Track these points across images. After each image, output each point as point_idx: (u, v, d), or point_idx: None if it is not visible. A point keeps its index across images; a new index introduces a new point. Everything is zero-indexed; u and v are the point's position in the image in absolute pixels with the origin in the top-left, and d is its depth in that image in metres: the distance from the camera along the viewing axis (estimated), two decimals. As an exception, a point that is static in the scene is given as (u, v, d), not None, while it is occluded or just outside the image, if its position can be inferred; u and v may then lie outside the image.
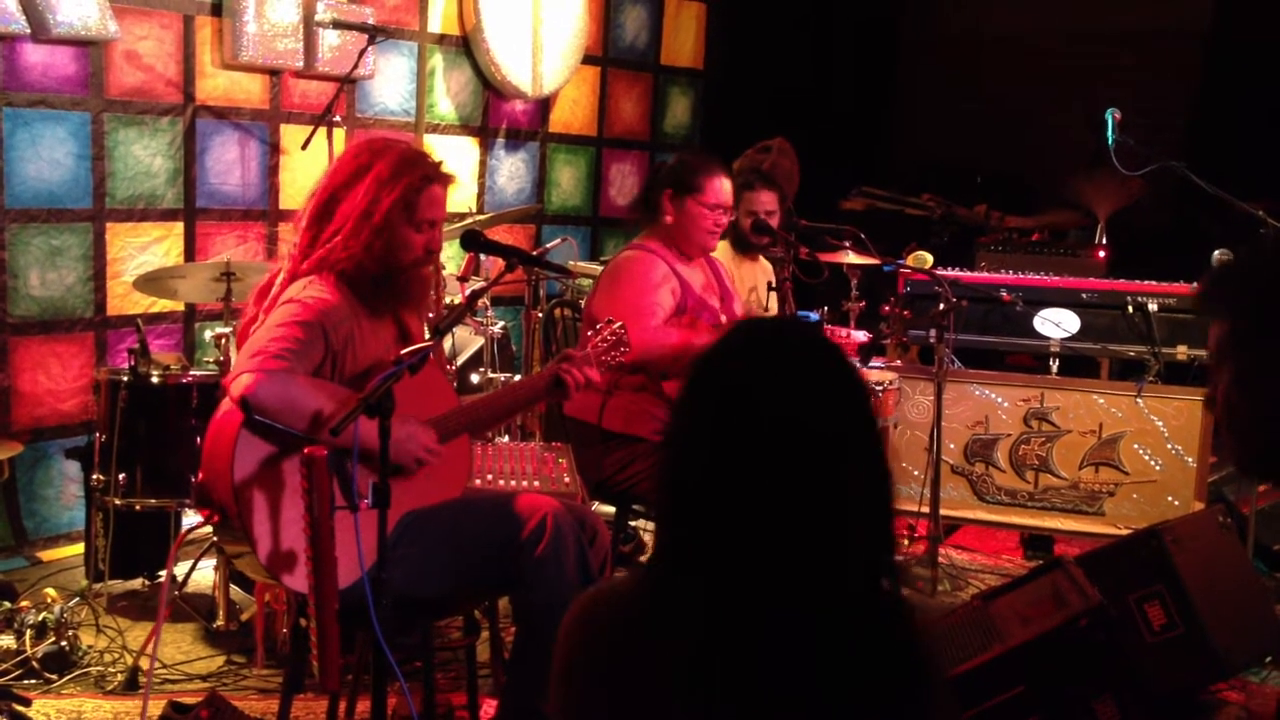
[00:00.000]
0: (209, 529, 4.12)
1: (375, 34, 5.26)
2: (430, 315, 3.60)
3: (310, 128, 5.12)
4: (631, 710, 1.52)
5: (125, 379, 4.10)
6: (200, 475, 2.84)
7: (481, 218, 5.38)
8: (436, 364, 3.16)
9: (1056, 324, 5.39)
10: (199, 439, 4.08)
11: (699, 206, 3.97)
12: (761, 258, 4.79)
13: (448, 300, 4.61)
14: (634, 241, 4.10)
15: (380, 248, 2.86)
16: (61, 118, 4.71)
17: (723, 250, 4.46)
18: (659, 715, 1.51)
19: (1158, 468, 5.01)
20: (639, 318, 3.76)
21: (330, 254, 2.87)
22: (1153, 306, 5.29)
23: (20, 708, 3.30)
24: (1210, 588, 3.59)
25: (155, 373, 4.13)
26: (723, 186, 4.01)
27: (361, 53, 5.24)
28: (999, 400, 5.17)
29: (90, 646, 3.79)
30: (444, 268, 4.62)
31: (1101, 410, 5.07)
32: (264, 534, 2.66)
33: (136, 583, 4.38)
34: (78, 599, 4.02)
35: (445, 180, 2.97)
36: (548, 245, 5.67)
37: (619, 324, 3.20)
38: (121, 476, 4.07)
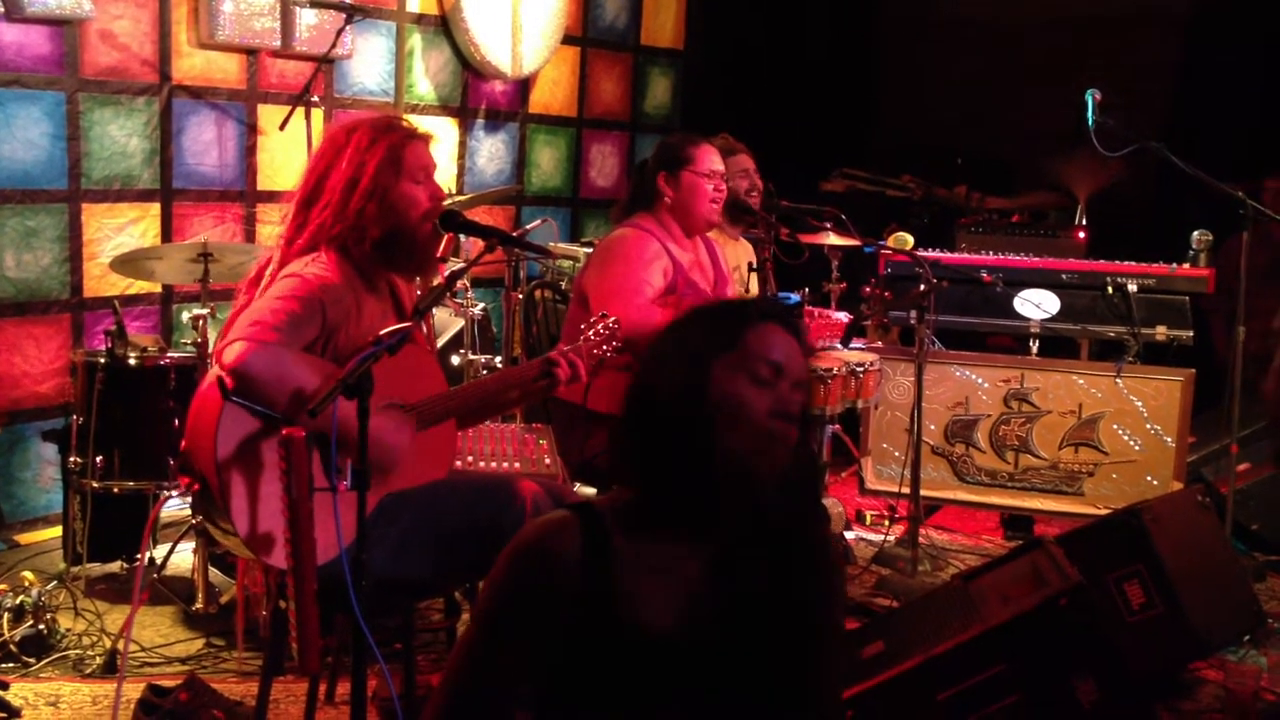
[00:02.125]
0: (186, 511, 4.12)
1: (353, 13, 5.22)
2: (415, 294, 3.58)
3: (288, 108, 5.08)
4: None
5: (102, 361, 4.07)
6: (184, 443, 2.83)
7: (461, 199, 5.35)
8: (426, 346, 3.15)
9: (1036, 305, 5.41)
10: (177, 421, 4.07)
11: (695, 177, 4.00)
12: (743, 239, 4.79)
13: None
14: (627, 220, 4.09)
15: (376, 211, 2.84)
16: (36, 98, 4.66)
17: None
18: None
19: (1137, 448, 5.03)
20: (628, 295, 3.77)
21: (321, 229, 2.85)
22: (1132, 287, 5.31)
23: (-2, 691, 3.28)
24: (1189, 567, 3.61)
25: (132, 354, 4.11)
26: (712, 153, 4.06)
27: (339, 32, 5.20)
28: (979, 381, 5.18)
29: (68, 630, 3.77)
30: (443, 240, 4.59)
31: (1081, 391, 5.09)
32: (243, 510, 2.65)
33: (115, 565, 4.35)
34: (55, 582, 4.01)
35: (425, 137, 2.98)
36: (528, 226, 5.65)
37: (613, 319, 3.19)
38: (99, 459, 4.05)
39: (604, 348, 3.13)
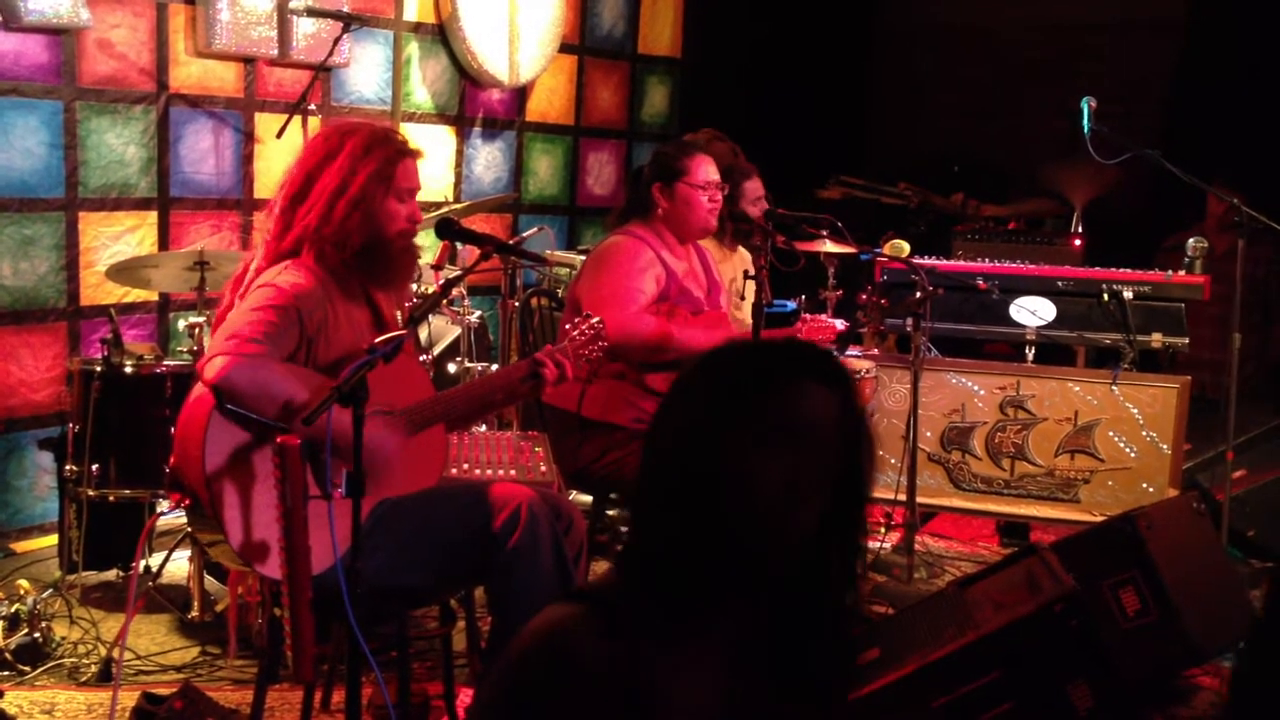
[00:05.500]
0: (183, 518, 4.11)
1: (350, 22, 5.23)
2: (406, 304, 3.60)
3: (285, 116, 5.10)
4: None
5: (98, 369, 4.07)
6: (172, 459, 2.83)
7: (458, 206, 5.37)
8: (413, 353, 3.15)
9: (1032, 312, 5.40)
10: (173, 429, 4.07)
11: (690, 189, 4.01)
12: (741, 248, 4.79)
13: (423, 289, 4.60)
14: (621, 228, 4.10)
15: (359, 220, 2.86)
16: (33, 106, 4.67)
17: (706, 243, 4.47)
18: None
19: (1133, 455, 5.03)
20: (620, 303, 3.78)
21: (306, 232, 2.86)
22: (1128, 294, 5.30)
23: (-7, 700, 3.28)
24: (1184, 574, 3.61)
25: (129, 363, 4.11)
26: (708, 164, 4.07)
27: (336, 41, 5.21)
28: (975, 388, 5.19)
29: (64, 638, 3.77)
30: (420, 255, 4.60)
31: (1077, 398, 5.09)
32: (235, 521, 2.65)
33: (110, 574, 4.35)
34: (51, 590, 4.00)
35: (415, 154, 3.00)
36: (524, 234, 5.66)
37: (597, 319, 3.19)
38: (95, 467, 4.05)
39: (590, 349, 3.12)
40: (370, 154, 2.89)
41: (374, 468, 2.73)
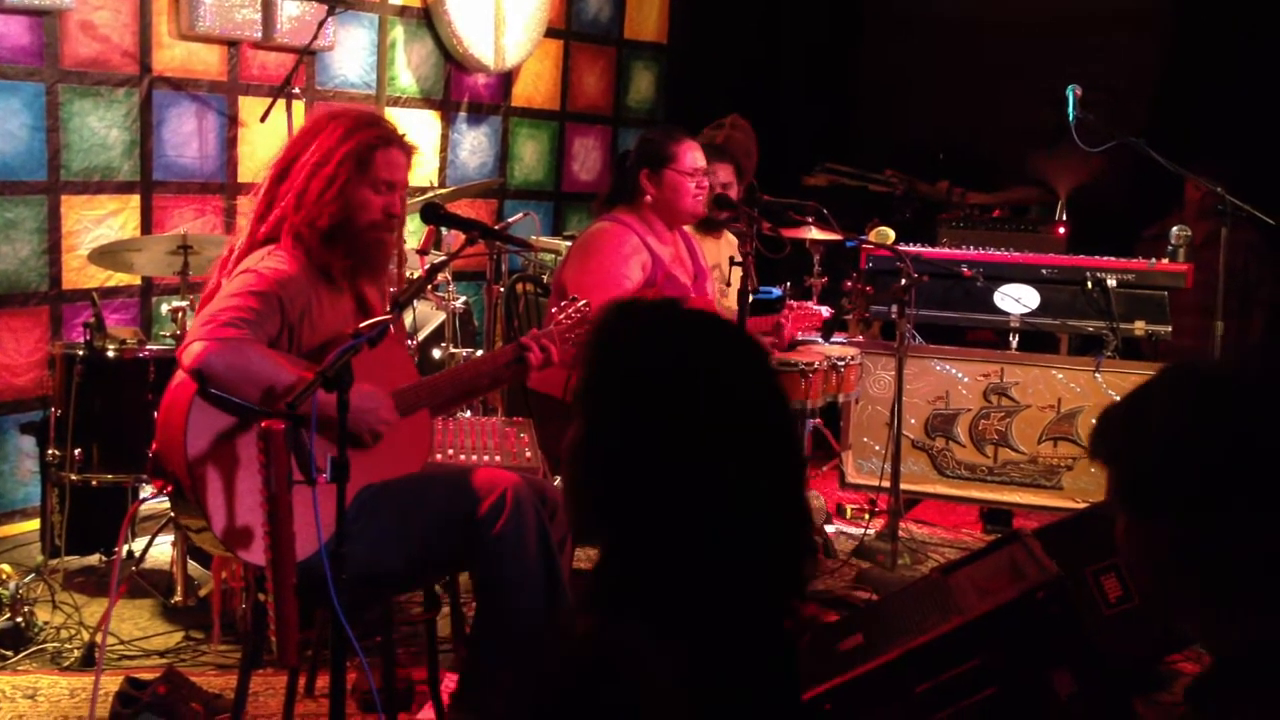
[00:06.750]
0: (166, 503, 4.10)
1: (335, 5, 5.21)
2: (391, 289, 3.58)
3: (269, 99, 5.07)
4: None
5: (81, 353, 4.06)
6: (154, 445, 2.82)
7: (443, 191, 5.35)
8: (397, 339, 3.14)
9: (1016, 299, 5.41)
10: (156, 413, 4.05)
11: (678, 176, 4.01)
12: (727, 233, 4.79)
13: (408, 274, 4.59)
14: (607, 214, 4.10)
15: (332, 199, 2.82)
16: (15, 89, 4.64)
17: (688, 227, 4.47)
18: None
19: (1116, 442, 5.04)
20: (606, 288, 3.78)
21: (285, 211, 2.85)
22: (1111, 282, 5.31)
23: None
24: (1166, 560, 3.62)
25: (111, 347, 4.09)
26: (695, 151, 4.07)
27: (321, 24, 5.19)
28: (959, 375, 5.20)
29: (46, 623, 3.76)
30: (405, 241, 4.60)
31: (1060, 385, 5.11)
32: (219, 507, 2.64)
33: (93, 558, 4.34)
34: (33, 575, 3.98)
35: (405, 146, 2.95)
36: (510, 219, 5.64)
37: (584, 301, 3.19)
38: (77, 452, 4.03)
39: (577, 331, 3.13)
40: (350, 137, 2.87)
41: (362, 433, 2.72)
